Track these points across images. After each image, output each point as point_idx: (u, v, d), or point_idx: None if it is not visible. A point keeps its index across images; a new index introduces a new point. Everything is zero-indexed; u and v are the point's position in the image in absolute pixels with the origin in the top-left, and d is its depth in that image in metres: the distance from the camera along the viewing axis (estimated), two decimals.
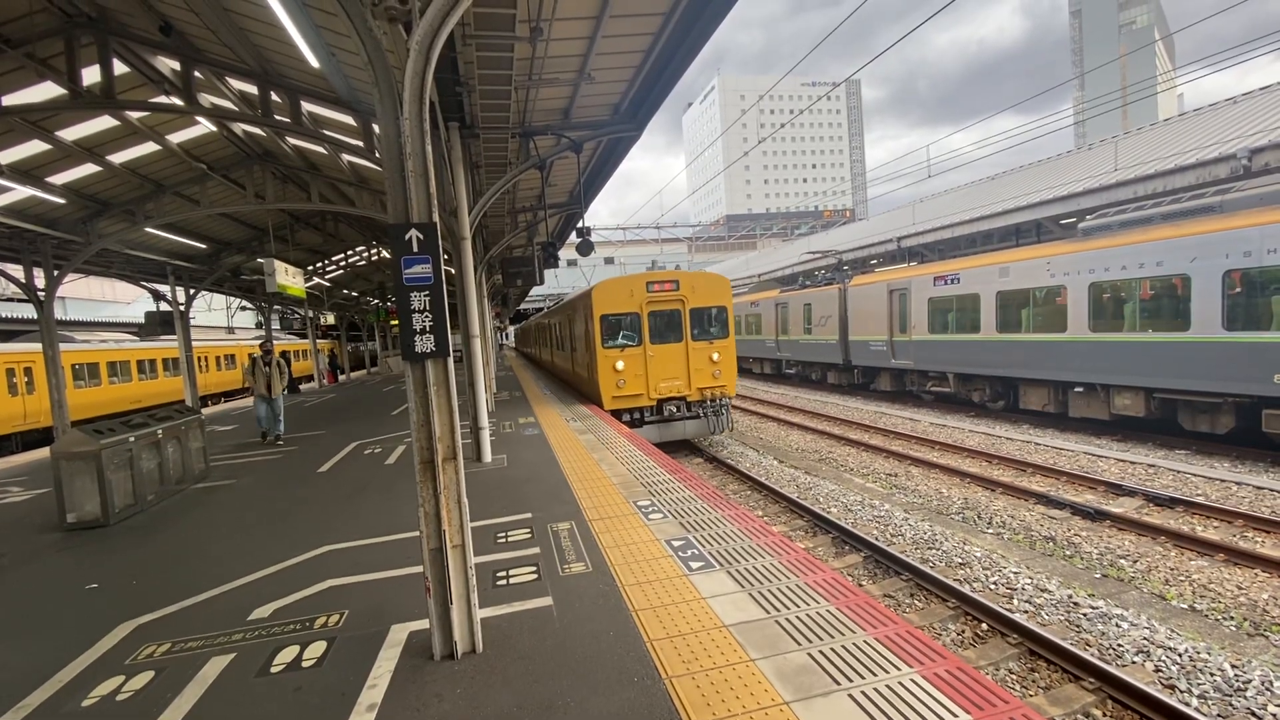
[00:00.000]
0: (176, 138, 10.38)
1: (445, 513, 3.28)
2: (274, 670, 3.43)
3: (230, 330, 35.81)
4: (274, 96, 8.47)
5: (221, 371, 28.85)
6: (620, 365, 11.87)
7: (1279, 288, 8.98)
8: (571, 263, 39.07)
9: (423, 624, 3.65)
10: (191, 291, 18.54)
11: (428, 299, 3.27)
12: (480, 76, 7.66)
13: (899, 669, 2.97)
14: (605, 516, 5.60)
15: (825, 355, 21.12)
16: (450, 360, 3.36)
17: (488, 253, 16.32)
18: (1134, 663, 4.62)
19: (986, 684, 2.82)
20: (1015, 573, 6.18)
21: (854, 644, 3.22)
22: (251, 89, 8.80)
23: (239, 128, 10.72)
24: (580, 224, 12.56)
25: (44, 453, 12.71)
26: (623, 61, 8.11)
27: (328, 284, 25.77)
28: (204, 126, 10.15)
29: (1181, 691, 4.26)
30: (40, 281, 12.29)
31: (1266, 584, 5.78)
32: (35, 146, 9.28)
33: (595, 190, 14.09)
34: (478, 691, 3.05)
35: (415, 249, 3.24)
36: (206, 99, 9.26)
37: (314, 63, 6.72)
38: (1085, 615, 5.27)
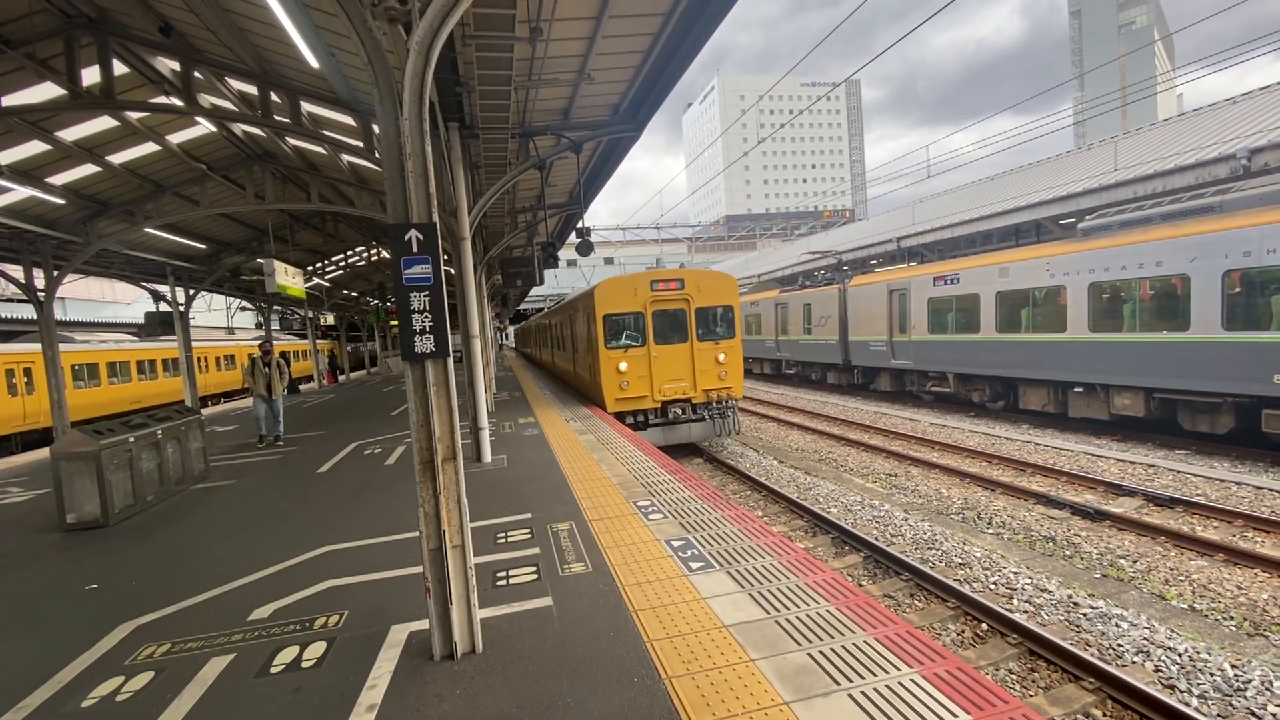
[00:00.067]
0: (176, 138, 10.38)
1: (445, 513, 3.28)
2: (274, 671, 3.43)
3: (230, 330, 35.82)
4: (274, 97, 8.47)
5: (221, 372, 28.84)
6: (624, 366, 11.62)
7: (1278, 288, 8.98)
8: (571, 263, 39.12)
9: (423, 624, 3.65)
10: (191, 292, 18.54)
11: (427, 299, 3.27)
12: (480, 77, 7.66)
13: (899, 669, 2.97)
14: (605, 517, 5.60)
15: (825, 355, 21.12)
16: (450, 360, 3.36)
17: (487, 253, 16.32)
18: (1134, 663, 4.62)
19: (986, 684, 2.82)
20: (1015, 573, 6.18)
21: (854, 644, 3.22)
22: (251, 89, 8.80)
23: (239, 128, 10.72)
24: (580, 224, 12.56)
25: (44, 453, 12.70)
26: (622, 62, 8.11)
27: (327, 284, 25.77)
28: (204, 127, 10.15)
29: (1181, 691, 4.26)
30: (40, 282, 12.29)
31: (1266, 584, 5.79)
32: (35, 147, 9.28)
33: (595, 190, 14.08)
34: (478, 692, 3.05)
35: (415, 249, 3.24)
36: (206, 99, 9.27)
37: (314, 63, 6.72)
38: (1085, 615, 5.27)
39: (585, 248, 12.12)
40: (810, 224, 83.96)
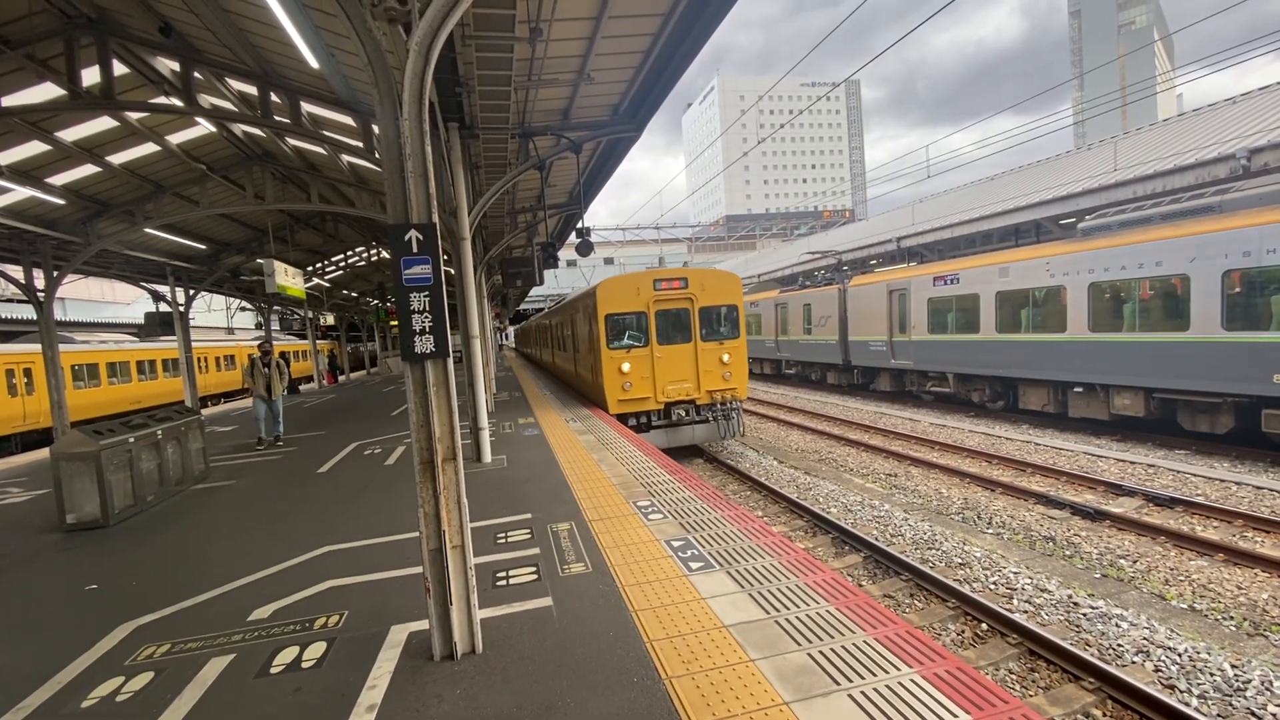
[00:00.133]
0: (176, 138, 10.38)
1: (445, 513, 3.28)
2: (274, 671, 3.43)
3: (230, 331, 35.82)
4: (274, 97, 8.47)
5: (221, 372, 28.84)
6: (626, 367, 11.41)
7: (1278, 288, 8.99)
8: (571, 263, 39.14)
9: (422, 624, 3.65)
10: (191, 292, 18.54)
11: (427, 299, 3.27)
12: (480, 77, 7.66)
13: (899, 669, 2.97)
14: (605, 517, 5.60)
15: (825, 355, 21.13)
16: (450, 361, 3.36)
17: (487, 253, 16.33)
18: (1134, 663, 4.62)
19: (986, 684, 2.82)
20: (1015, 573, 6.18)
21: (854, 644, 3.22)
22: (251, 90, 8.80)
23: (239, 128, 10.72)
24: (580, 224, 12.55)
25: (44, 453, 12.70)
26: (622, 62, 8.11)
27: (327, 284, 25.77)
28: (203, 127, 10.15)
29: (1181, 691, 4.26)
30: (40, 282, 12.29)
31: (1266, 584, 5.79)
32: (35, 147, 9.28)
33: (595, 191, 14.08)
34: (478, 692, 3.05)
35: (415, 249, 3.24)
36: (206, 100, 9.27)
37: (314, 63, 6.72)
38: (1085, 615, 5.27)
39: (585, 248, 12.10)
40: (810, 224, 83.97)
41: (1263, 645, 4.89)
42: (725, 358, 11.83)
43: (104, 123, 9.16)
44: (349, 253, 22.02)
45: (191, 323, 19.00)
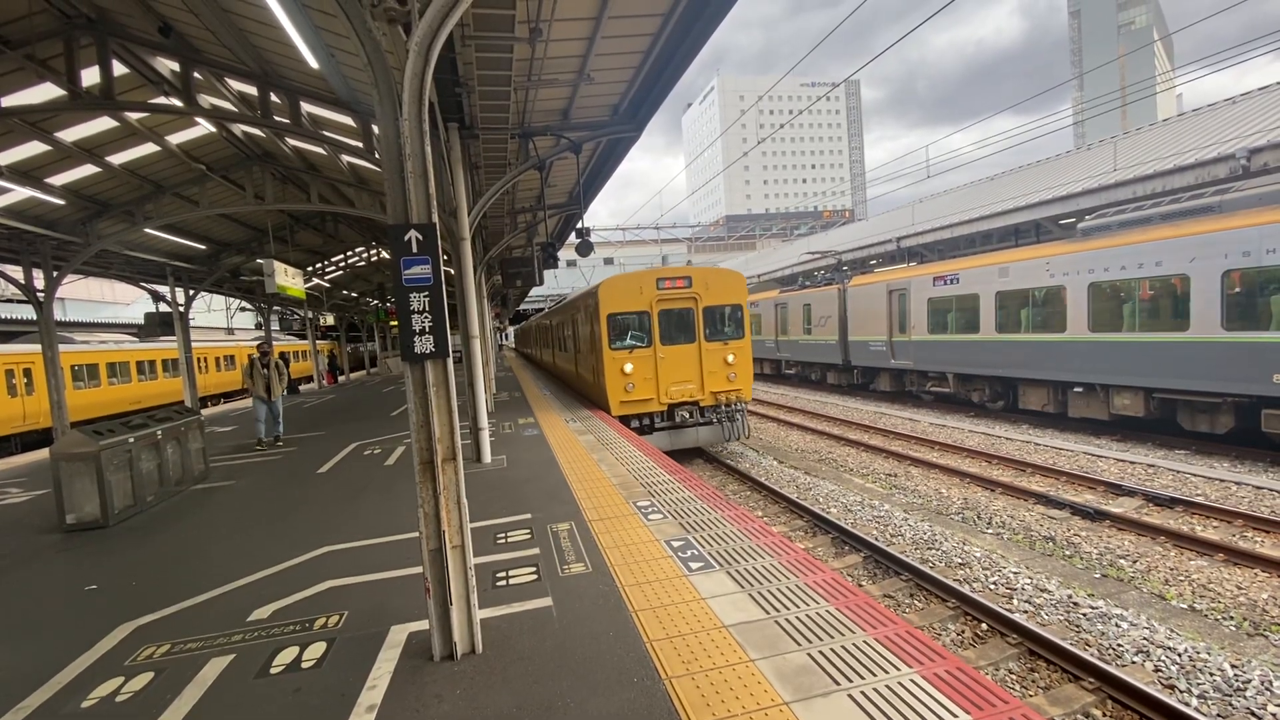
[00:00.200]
0: (176, 139, 10.38)
1: (445, 513, 3.28)
2: (273, 671, 3.43)
3: (230, 331, 35.83)
4: (273, 97, 8.47)
5: (221, 372, 28.84)
6: (629, 368, 11.21)
7: (1278, 288, 8.99)
8: (571, 263, 39.15)
9: (422, 625, 3.65)
10: (191, 292, 18.53)
11: (427, 300, 3.27)
12: (479, 77, 7.66)
13: (899, 669, 2.97)
14: (605, 517, 5.60)
15: (825, 355, 21.13)
16: (450, 361, 3.36)
17: (487, 253, 16.33)
18: (1134, 663, 4.62)
19: (986, 684, 2.82)
20: (1015, 573, 6.18)
21: (854, 644, 3.22)
22: (251, 90, 8.80)
23: (238, 128, 10.72)
24: (580, 224, 12.56)
25: (43, 454, 12.70)
26: (622, 62, 8.12)
27: (327, 285, 25.77)
28: (203, 127, 10.15)
29: (1181, 691, 4.26)
30: (39, 282, 12.28)
31: (1266, 584, 5.79)
32: (35, 147, 9.28)
33: (595, 191, 14.08)
34: (477, 692, 3.05)
35: (414, 250, 3.24)
36: (206, 100, 9.27)
37: (313, 64, 6.72)
38: (1085, 615, 5.27)
39: (585, 248, 12.10)
40: (810, 224, 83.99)
41: (1263, 645, 4.89)
42: (730, 358, 11.63)
43: (104, 123, 9.16)
44: (349, 253, 22.01)
45: (191, 323, 19.00)
